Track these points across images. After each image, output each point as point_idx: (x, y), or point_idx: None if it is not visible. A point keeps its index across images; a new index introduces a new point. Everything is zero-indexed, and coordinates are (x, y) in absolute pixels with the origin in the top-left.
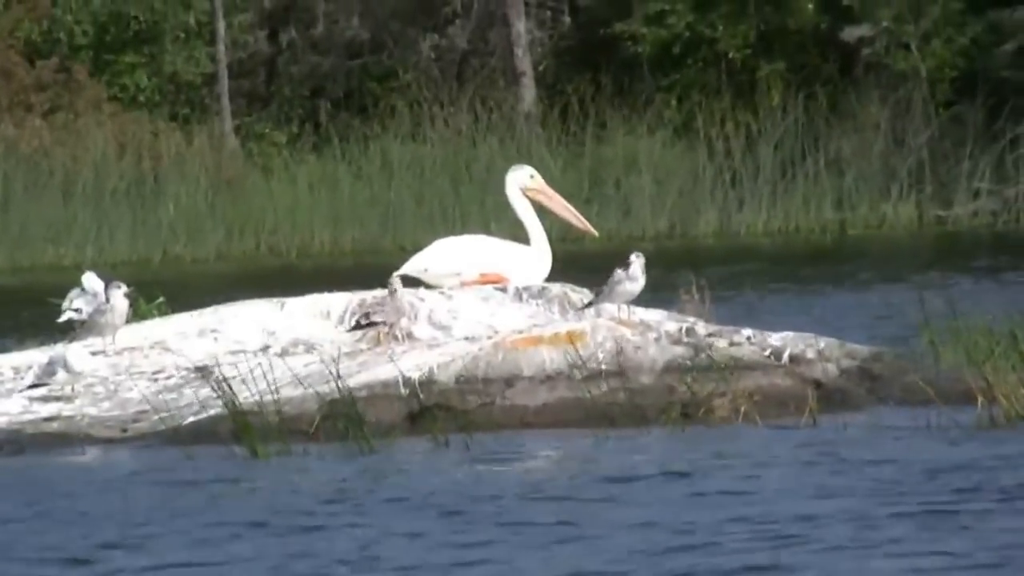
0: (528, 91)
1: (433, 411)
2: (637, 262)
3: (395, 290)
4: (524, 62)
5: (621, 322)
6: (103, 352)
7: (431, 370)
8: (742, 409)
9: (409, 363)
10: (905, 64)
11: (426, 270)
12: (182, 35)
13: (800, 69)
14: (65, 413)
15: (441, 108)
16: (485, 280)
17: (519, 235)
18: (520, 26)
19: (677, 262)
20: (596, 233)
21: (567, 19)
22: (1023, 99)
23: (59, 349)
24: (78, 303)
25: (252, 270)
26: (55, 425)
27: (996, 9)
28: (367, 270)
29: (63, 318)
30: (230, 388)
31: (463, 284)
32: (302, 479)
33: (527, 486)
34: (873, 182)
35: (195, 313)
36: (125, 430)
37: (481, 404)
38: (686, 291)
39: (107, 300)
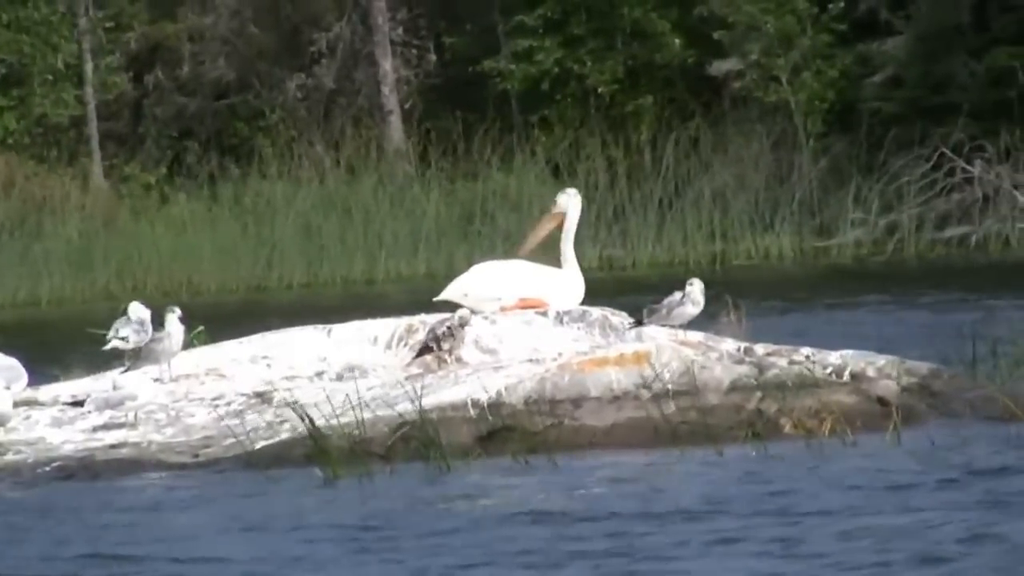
0: (396, 129)
1: (503, 432)
2: (697, 285)
3: (468, 322)
4: (391, 100)
5: (683, 342)
6: (161, 379)
7: (499, 392)
8: (811, 426)
9: (476, 385)
10: (776, 97)
11: (466, 295)
12: (50, 77)
13: (669, 103)
14: (131, 440)
15: (310, 147)
16: (525, 305)
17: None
18: (387, 65)
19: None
20: None
21: (433, 57)
22: (899, 129)
23: (117, 376)
24: (124, 331)
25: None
26: (124, 451)
27: (865, 41)
28: (258, 307)
29: (109, 346)
30: (304, 412)
31: (502, 309)
32: (396, 499)
33: (625, 505)
34: (754, 214)
35: (243, 340)
36: (197, 455)
37: (550, 425)
38: (725, 313)
39: (164, 327)
